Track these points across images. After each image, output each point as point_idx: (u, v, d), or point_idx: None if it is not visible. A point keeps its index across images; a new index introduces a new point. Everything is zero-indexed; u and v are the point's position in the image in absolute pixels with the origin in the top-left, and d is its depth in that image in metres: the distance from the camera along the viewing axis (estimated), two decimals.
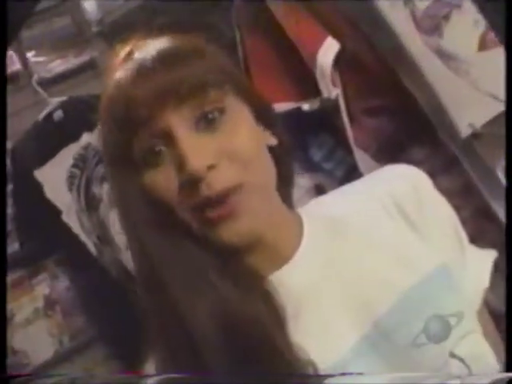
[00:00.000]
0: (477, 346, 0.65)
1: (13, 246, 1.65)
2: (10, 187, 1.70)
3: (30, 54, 1.86)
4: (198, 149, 0.57)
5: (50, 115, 1.71)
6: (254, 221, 0.59)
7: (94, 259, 1.63)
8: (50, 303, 1.71)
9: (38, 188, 1.64)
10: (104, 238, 1.64)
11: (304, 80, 1.17)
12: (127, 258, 1.57)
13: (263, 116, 0.65)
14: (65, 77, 1.85)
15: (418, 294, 0.64)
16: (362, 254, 0.66)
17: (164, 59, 0.59)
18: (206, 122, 0.59)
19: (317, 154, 1.28)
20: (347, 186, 0.76)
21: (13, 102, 1.70)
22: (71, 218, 1.66)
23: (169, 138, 0.58)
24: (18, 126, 1.69)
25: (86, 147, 1.69)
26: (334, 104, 1.15)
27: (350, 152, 1.19)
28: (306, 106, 1.18)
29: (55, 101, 1.71)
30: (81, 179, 1.69)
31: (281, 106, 1.15)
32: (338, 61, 1.12)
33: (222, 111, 0.59)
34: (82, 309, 1.72)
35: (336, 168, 1.28)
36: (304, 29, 1.14)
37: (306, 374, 0.57)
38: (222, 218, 0.58)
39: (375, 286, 0.64)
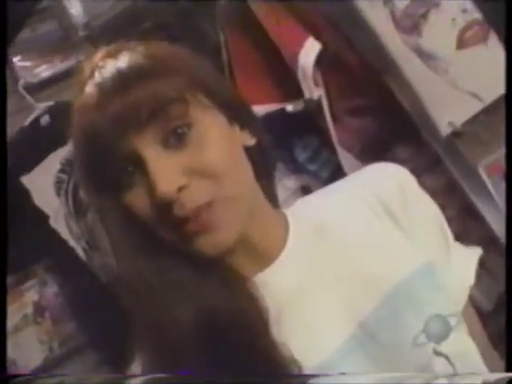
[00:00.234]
0: (462, 344, 0.65)
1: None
2: None
3: (16, 59, 1.85)
4: (167, 170, 0.56)
5: (36, 120, 1.71)
6: (231, 232, 0.59)
7: (83, 264, 1.62)
8: (39, 310, 1.70)
9: (25, 194, 1.63)
10: (93, 243, 1.63)
11: (287, 81, 1.17)
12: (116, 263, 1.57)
13: (239, 116, 0.65)
14: (51, 82, 1.85)
15: (404, 293, 0.64)
16: (347, 254, 0.66)
17: (123, 83, 0.58)
18: (175, 138, 0.58)
19: (302, 156, 1.29)
20: (332, 186, 0.76)
21: None
22: (59, 223, 1.66)
23: (138, 160, 0.58)
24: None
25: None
26: (318, 105, 1.15)
27: (335, 152, 1.19)
28: (289, 107, 1.18)
29: (42, 106, 1.71)
30: (68, 184, 1.69)
31: (264, 108, 1.15)
32: (320, 61, 1.11)
33: (189, 125, 0.58)
34: (71, 315, 1.71)
35: (321, 169, 1.28)
36: (285, 30, 1.14)
37: (290, 374, 0.57)
38: (198, 233, 0.58)
39: (360, 285, 0.64)
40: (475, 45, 1.00)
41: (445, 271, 0.69)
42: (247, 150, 0.65)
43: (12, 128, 1.70)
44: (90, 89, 0.59)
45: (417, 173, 0.73)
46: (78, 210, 1.67)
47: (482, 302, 1.08)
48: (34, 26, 1.88)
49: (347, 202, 0.70)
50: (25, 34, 1.86)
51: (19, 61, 1.86)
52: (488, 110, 1.02)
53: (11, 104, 1.77)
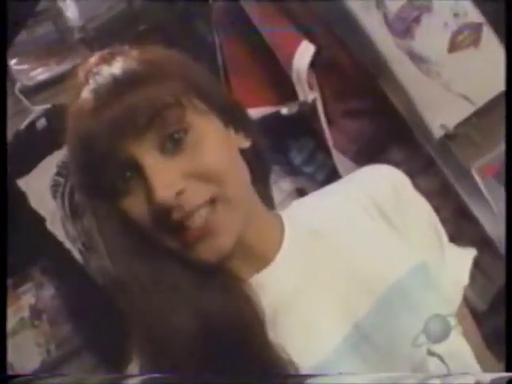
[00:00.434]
0: (456, 344, 0.65)
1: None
2: None
3: (12, 62, 1.85)
4: (164, 176, 0.57)
5: (33, 123, 1.71)
6: (230, 236, 0.60)
7: (79, 267, 1.62)
8: (36, 312, 1.69)
9: (22, 197, 1.63)
10: (89, 245, 1.63)
11: (282, 84, 1.18)
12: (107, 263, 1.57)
13: (234, 119, 0.65)
14: (47, 85, 1.84)
15: (398, 293, 0.65)
16: (342, 255, 0.67)
17: (118, 89, 0.58)
18: (172, 143, 0.58)
19: (297, 158, 1.29)
20: (327, 188, 0.77)
21: None
22: (56, 226, 1.66)
23: (135, 165, 0.58)
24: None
25: None
26: (312, 107, 1.16)
27: (330, 155, 1.19)
28: (284, 110, 1.19)
29: (38, 109, 1.71)
30: (65, 187, 1.69)
31: (259, 111, 1.16)
32: (314, 64, 1.12)
33: (185, 130, 0.59)
34: (68, 317, 1.71)
35: (317, 171, 1.29)
36: (279, 33, 1.14)
37: (287, 374, 0.58)
38: (198, 238, 0.58)
39: (356, 286, 0.65)
40: (467, 48, 1.01)
41: (439, 272, 0.70)
42: (242, 152, 0.65)
43: (9, 131, 1.70)
44: (85, 94, 0.59)
45: (411, 174, 0.74)
46: (74, 213, 1.67)
47: (476, 303, 1.08)
48: (30, 29, 1.88)
49: (342, 205, 0.71)
50: (21, 37, 1.85)
51: (16, 64, 1.86)
52: (480, 113, 1.03)
53: (8, 107, 1.78)
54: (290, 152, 1.30)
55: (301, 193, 1.29)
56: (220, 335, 0.58)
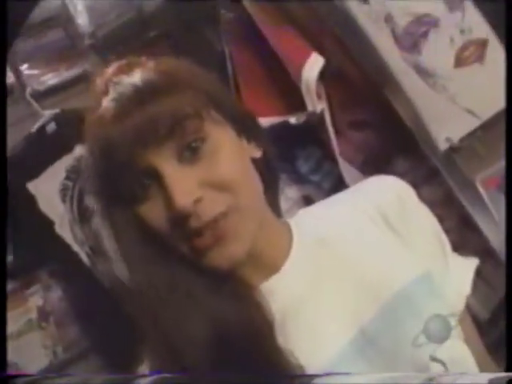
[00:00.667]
0: (457, 350, 0.67)
1: (6, 258, 1.66)
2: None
3: (22, 67, 1.87)
4: (183, 184, 0.58)
5: (43, 127, 1.71)
6: (244, 244, 0.61)
7: (87, 270, 1.63)
8: (43, 314, 1.70)
9: (31, 200, 1.65)
10: (97, 249, 1.64)
11: (291, 94, 1.19)
12: (119, 268, 1.57)
13: (246, 129, 0.67)
14: (58, 89, 1.86)
15: (403, 300, 0.67)
16: (349, 263, 0.69)
17: (140, 98, 0.59)
18: (190, 152, 0.60)
19: (304, 166, 1.30)
20: (334, 197, 0.79)
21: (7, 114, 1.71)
22: (64, 229, 1.66)
23: (154, 173, 0.59)
24: (11, 139, 1.70)
25: (79, 159, 1.69)
26: (320, 118, 1.17)
27: (336, 164, 1.21)
28: (292, 120, 1.20)
29: (48, 113, 1.72)
30: (73, 191, 1.69)
31: (269, 120, 1.17)
32: (323, 76, 1.14)
33: (203, 140, 0.60)
34: (75, 319, 1.71)
35: (323, 180, 1.30)
36: (290, 44, 1.16)
37: (294, 375, 0.59)
38: (212, 246, 0.60)
39: (361, 293, 0.67)
40: (472, 64, 1.03)
41: (443, 280, 0.71)
42: (254, 161, 0.67)
43: (19, 134, 1.72)
44: (105, 103, 0.61)
45: (416, 185, 0.76)
46: (82, 217, 1.67)
47: (478, 311, 1.10)
48: (40, 35, 1.90)
49: (348, 214, 0.72)
50: (32, 43, 1.88)
51: (26, 69, 1.88)
52: (484, 127, 1.05)
53: (19, 111, 1.80)
54: (297, 160, 1.31)
55: (307, 200, 1.31)
56: (231, 340, 0.60)
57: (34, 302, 1.70)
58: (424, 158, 1.08)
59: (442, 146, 1.05)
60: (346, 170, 1.18)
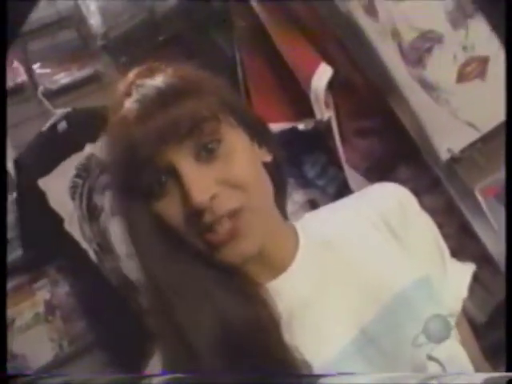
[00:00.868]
0: (454, 352, 0.69)
1: (15, 252, 1.67)
2: (14, 195, 1.71)
3: (35, 66, 1.90)
4: (200, 181, 0.61)
5: (54, 126, 1.73)
6: (255, 241, 0.63)
7: (94, 266, 1.65)
8: (50, 308, 1.72)
9: (41, 196, 1.67)
10: (104, 246, 1.66)
11: (300, 101, 1.22)
12: (127, 266, 1.60)
13: (258, 134, 0.69)
14: (69, 89, 1.88)
15: (402, 303, 0.69)
16: (351, 266, 0.71)
17: (163, 100, 0.62)
18: (206, 152, 0.63)
19: (310, 171, 1.33)
20: (339, 203, 0.81)
21: (19, 112, 1.74)
22: (73, 226, 1.67)
23: (173, 171, 0.62)
24: (23, 136, 1.74)
25: (89, 157, 1.72)
26: (328, 125, 1.20)
27: (341, 170, 1.23)
28: (301, 126, 1.23)
29: (59, 112, 1.75)
30: (83, 188, 1.71)
31: (278, 126, 1.20)
32: (331, 85, 1.17)
33: (219, 141, 0.63)
34: (81, 314, 1.74)
35: (328, 185, 1.33)
36: (300, 54, 1.19)
37: (300, 374, 0.61)
38: (225, 241, 0.62)
39: (363, 294, 0.69)
40: (474, 79, 1.06)
41: (441, 284, 0.73)
42: (264, 165, 0.69)
43: (30, 132, 1.75)
44: (128, 104, 0.63)
45: (417, 193, 0.78)
46: (91, 214, 1.69)
47: (476, 315, 1.12)
48: (53, 35, 1.92)
49: (352, 219, 0.75)
50: (45, 42, 1.90)
51: (39, 68, 1.90)
52: (484, 139, 1.08)
53: (30, 109, 1.82)
54: (304, 166, 1.34)
55: (312, 204, 1.33)
56: (239, 336, 0.62)
57: (41, 295, 1.72)
58: (426, 167, 1.12)
59: (444, 156, 1.08)
60: (351, 175, 1.21)
